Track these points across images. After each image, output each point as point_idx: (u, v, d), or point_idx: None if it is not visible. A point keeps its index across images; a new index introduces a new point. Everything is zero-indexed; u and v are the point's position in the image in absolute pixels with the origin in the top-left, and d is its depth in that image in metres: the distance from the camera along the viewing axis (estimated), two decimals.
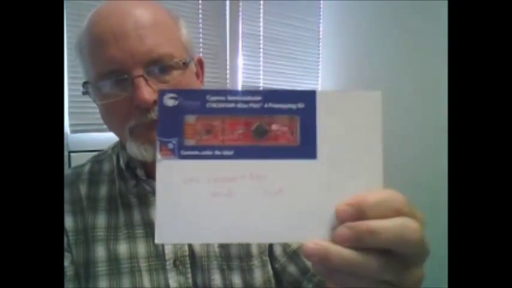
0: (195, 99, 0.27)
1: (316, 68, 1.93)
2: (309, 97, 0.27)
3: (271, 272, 0.62)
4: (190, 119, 0.27)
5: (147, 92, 0.49)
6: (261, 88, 1.74)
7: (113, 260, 0.56)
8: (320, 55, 1.92)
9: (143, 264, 0.57)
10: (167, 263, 0.57)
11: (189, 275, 0.57)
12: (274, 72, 1.78)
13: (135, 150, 0.52)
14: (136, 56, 0.49)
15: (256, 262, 0.61)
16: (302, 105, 0.28)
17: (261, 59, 1.74)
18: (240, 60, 1.66)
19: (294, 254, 0.59)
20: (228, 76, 1.67)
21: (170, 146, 0.27)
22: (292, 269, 0.59)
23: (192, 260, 0.58)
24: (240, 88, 1.70)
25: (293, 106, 0.28)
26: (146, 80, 0.49)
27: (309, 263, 0.58)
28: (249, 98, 0.28)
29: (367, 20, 1.66)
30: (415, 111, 1.47)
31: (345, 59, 1.79)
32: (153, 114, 0.50)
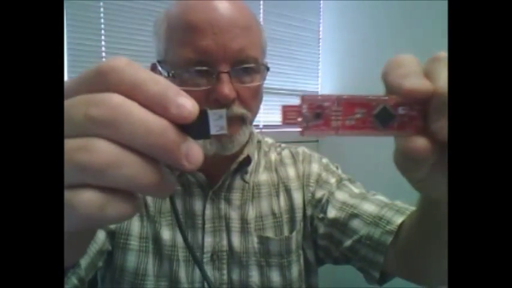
0: None
1: (316, 68, 1.92)
2: None
3: (303, 264, 0.62)
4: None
5: (229, 89, 0.50)
6: None
7: (158, 240, 0.57)
8: (320, 55, 1.92)
9: (181, 253, 0.57)
10: (204, 255, 0.57)
11: (225, 271, 0.57)
12: (274, 72, 1.78)
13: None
14: (228, 52, 0.51)
15: (294, 257, 0.61)
16: None
17: None
18: None
19: (366, 239, 0.54)
20: None
21: None
22: (364, 251, 0.55)
23: (230, 256, 0.58)
24: None
25: None
26: (230, 77, 0.51)
27: (383, 239, 0.52)
28: None
29: (367, 20, 1.66)
30: None
31: (345, 59, 1.79)
32: (229, 112, 0.51)
